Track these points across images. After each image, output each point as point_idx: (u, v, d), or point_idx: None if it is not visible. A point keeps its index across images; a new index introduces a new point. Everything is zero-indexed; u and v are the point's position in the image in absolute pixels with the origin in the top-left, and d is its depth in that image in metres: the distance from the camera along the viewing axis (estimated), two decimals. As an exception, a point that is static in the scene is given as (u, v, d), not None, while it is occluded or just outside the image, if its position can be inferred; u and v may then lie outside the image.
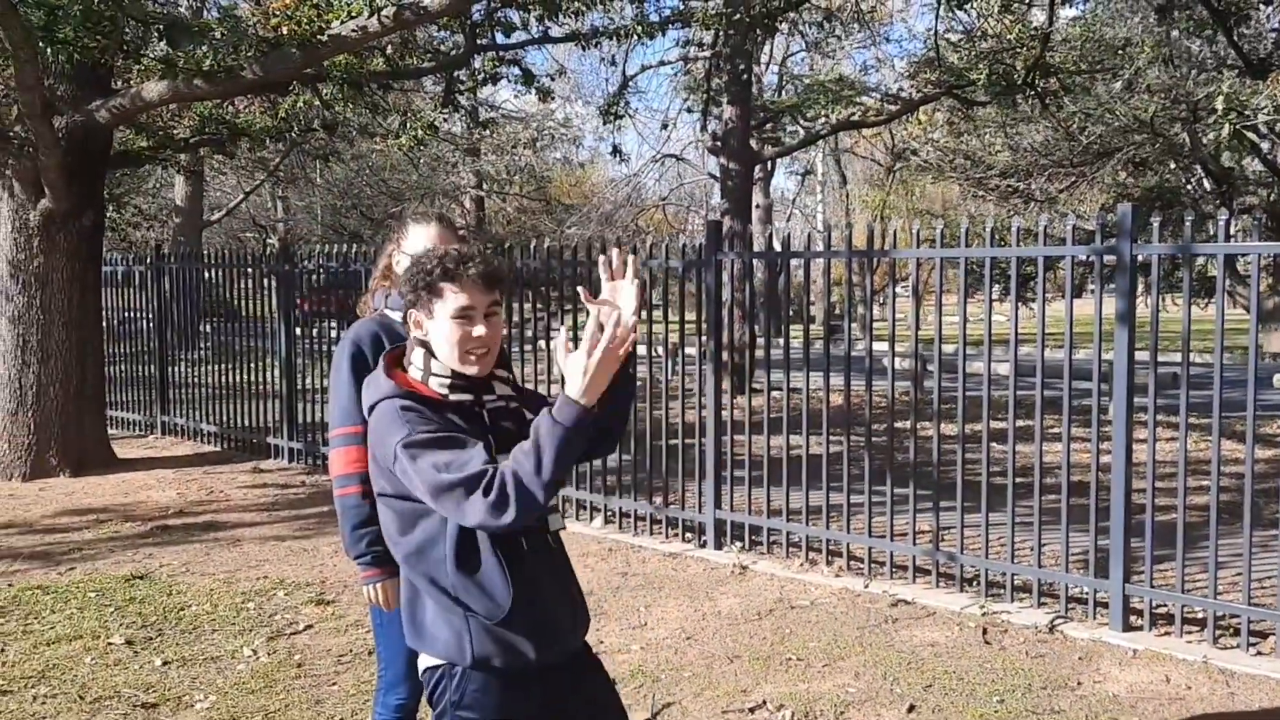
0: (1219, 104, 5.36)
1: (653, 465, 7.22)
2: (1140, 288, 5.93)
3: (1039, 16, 12.17)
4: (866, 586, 5.96)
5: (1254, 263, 5.13)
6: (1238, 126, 5.41)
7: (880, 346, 14.41)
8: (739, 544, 6.71)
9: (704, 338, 6.93)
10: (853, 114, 16.58)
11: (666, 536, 7.03)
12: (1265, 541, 5.44)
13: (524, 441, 2.21)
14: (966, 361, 5.92)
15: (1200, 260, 5.00)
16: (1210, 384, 5.20)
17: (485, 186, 31.60)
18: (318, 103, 10.39)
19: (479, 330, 2.39)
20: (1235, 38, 11.88)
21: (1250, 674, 4.68)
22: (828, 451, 6.34)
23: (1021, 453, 8.18)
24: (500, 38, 10.73)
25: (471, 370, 2.41)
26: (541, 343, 7.55)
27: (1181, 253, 5.34)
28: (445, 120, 12.83)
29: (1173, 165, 20.19)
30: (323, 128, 11.57)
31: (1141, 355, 5.81)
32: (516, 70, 11.51)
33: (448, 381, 2.41)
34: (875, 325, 20.08)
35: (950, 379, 5.99)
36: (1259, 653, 4.90)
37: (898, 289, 32.45)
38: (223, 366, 10.76)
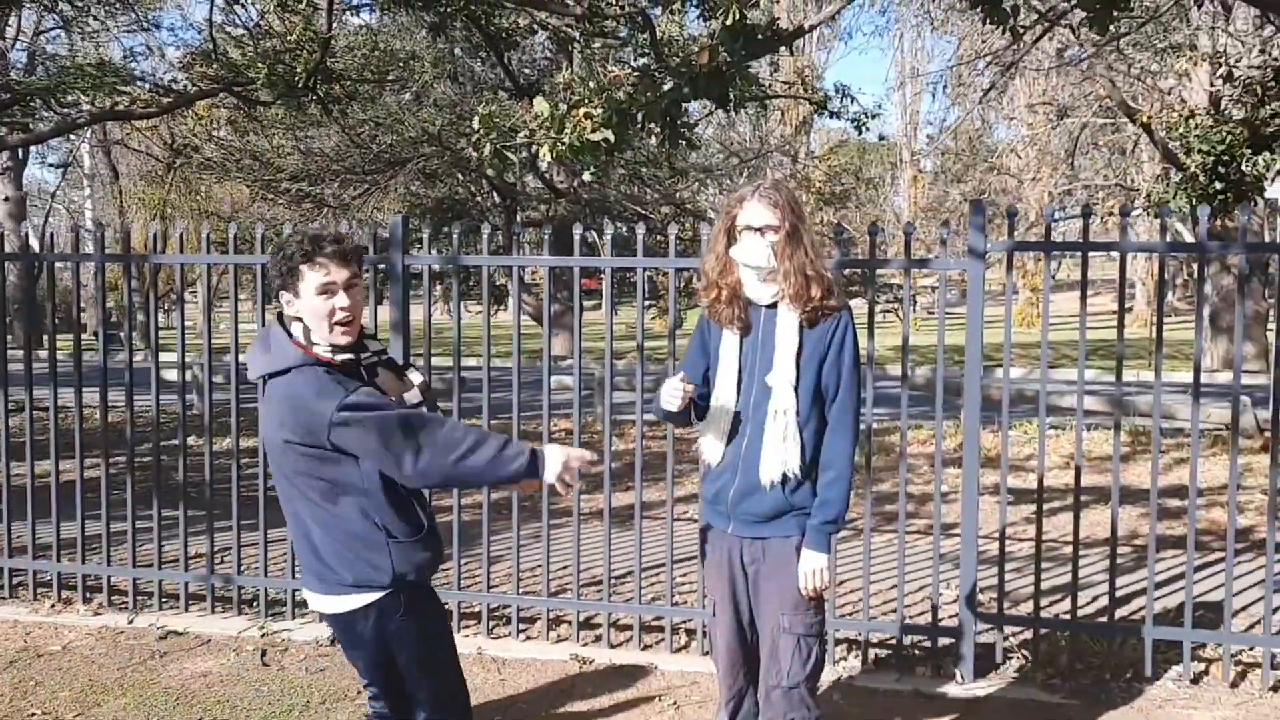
0: (476, 123, 5.95)
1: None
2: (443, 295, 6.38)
3: (324, 20, 12.53)
4: (131, 622, 5.67)
5: (516, 273, 5.80)
6: (498, 145, 6.04)
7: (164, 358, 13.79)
8: (-29, 592, 6.01)
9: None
10: (119, 103, 15.66)
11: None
12: (535, 533, 6.14)
13: (472, 428, 2.89)
14: (242, 372, 5.91)
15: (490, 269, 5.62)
16: (497, 387, 5.76)
17: None
18: None
19: (342, 301, 2.91)
20: (506, 62, 13.30)
21: (519, 658, 5.26)
22: (82, 477, 5.93)
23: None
24: None
25: (342, 340, 2.93)
26: None
27: (449, 263, 5.85)
28: None
29: (461, 178, 22.03)
30: None
31: (434, 361, 6.25)
32: None
33: (328, 349, 2.92)
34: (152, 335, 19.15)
35: (227, 392, 5.93)
36: (528, 637, 5.53)
37: (181, 295, 31.25)
38: None
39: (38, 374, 6.12)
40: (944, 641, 5.17)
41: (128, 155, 33.52)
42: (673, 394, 3.25)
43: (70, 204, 38.63)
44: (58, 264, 6.04)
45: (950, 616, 5.29)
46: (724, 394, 3.32)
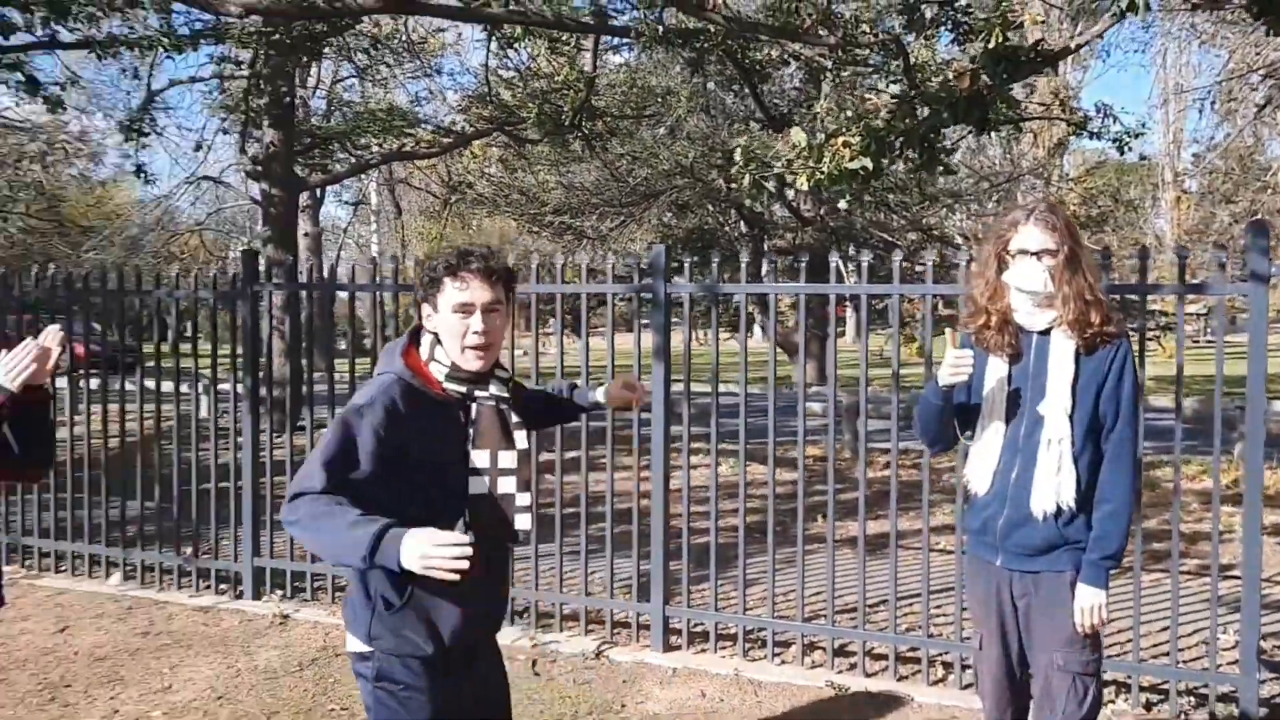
0: (738, 155, 5.99)
1: (182, 512, 6.78)
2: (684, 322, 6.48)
3: (589, 60, 12.98)
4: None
5: (772, 302, 5.81)
6: (756, 176, 6.07)
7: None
8: (280, 592, 6.48)
9: (241, 373, 6.64)
10: (404, 144, 16.70)
11: (198, 589, 6.63)
12: (789, 558, 6.10)
13: (370, 518, 2.38)
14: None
15: (735, 297, 5.69)
16: (754, 412, 5.78)
17: (-21, 203, 28.22)
18: None
19: (477, 324, 2.66)
20: (759, 94, 13.37)
21: (775, 682, 5.22)
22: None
23: (570, 483, 8.60)
24: (-2, 39, 9.66)
25: (472, 365, 2.69)
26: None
27: (709, 291, 5.91)
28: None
29: (711, 208, 22.25)
30: None
31: (680, 386, 6.34)
32: (19, 75, 10.41)
33: (445, 371, 2.68)
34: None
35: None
36: (783, 661, 5.49)
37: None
38: None
39: (336, 395, 6.56)
40: (1222, 689, 4.78)
41: (409, 192, 35.58)
42: (957, 366, 3.07)
43: (359, 238, 41.34)
44: (356, 293, 6.45)
45: (1229, 663, 4.89)
46: (992, 422, 3.17)
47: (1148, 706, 4.86)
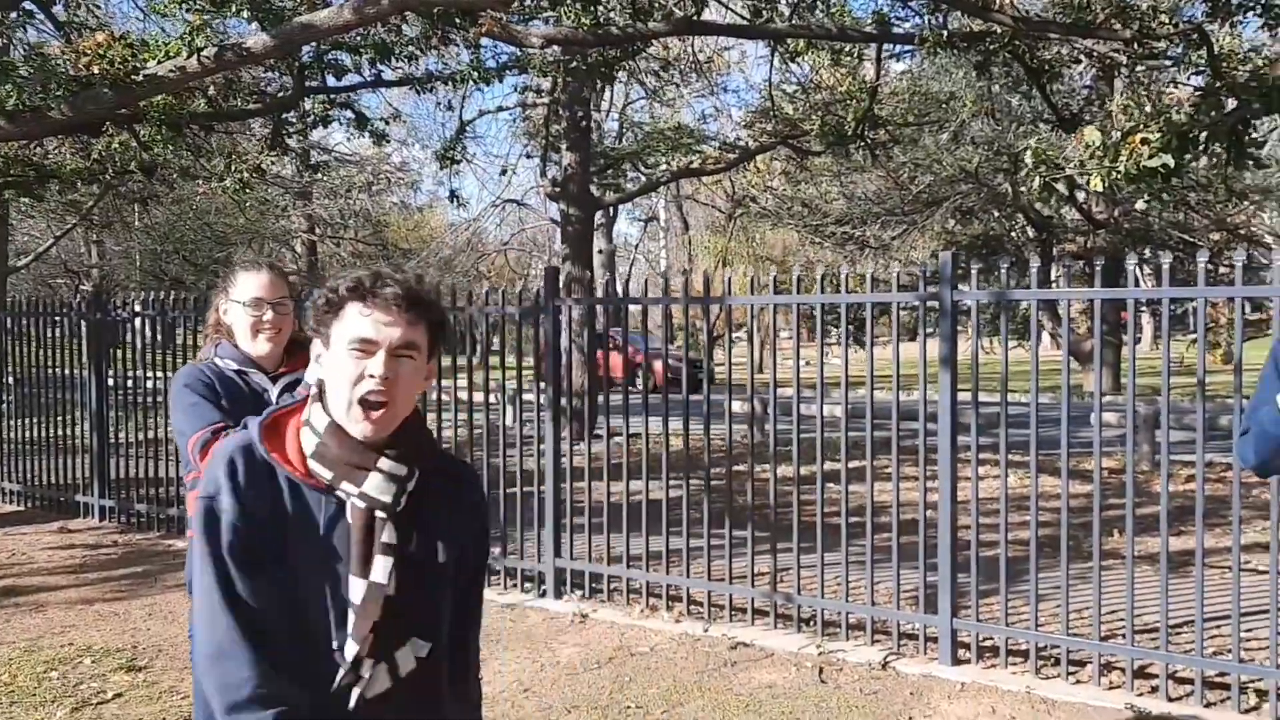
0: (1028, 157, 5.76)
1: (490, 516, 7.19)
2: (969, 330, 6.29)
3: (870, 70, 12.80)
4: (706, 631, 6.08)
5: (1064, 308, 5.53)
6: (1047, 179, 5.81)
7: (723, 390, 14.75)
8: (579, 592, 6.76)
9: (543, 384, 6.99)
10: (692, 161, 17.03)
11: (505, 587, 7.01)
12: (1082, 574, 5.79)
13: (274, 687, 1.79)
14: (802, 404, 6.15)
15: (1024, 304, 5.41)
16: (1045, 423, 5.54)
17: (317, 230, 31.02)
18: (135, 144, 10.08)
19: (376, 367, 1.84)
20: (1049, 94, 12.77)
21: (1069, 702, 4.96)
22: (667, 497, 6.46)
23: (854, 493, 8.50)
24: (330, 80, 10.64)
25: (357, 429, 1.86)
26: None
27: (998, 298, 5.70)
28: (274, 163, 12.61)
29: (996, 213, 21.42)
30: (140, 170, 11.22)
31: (966, 395, 6.15)
32: (349, 113, 11.42)
33: (315, 442, 1.88)
34: (717, 370, 20.45)
35: (788, 422, 6.21)
36: (1078, 681, 5.21)
37: (740, 334, 32.88)
38: (26, 421, 10.24)
39: (626, 405, 6.78)
40: None
41: (696, 208, 36.27)
42: None
43: (648, 253, 42.46)
44: (644, 306, 6.64)
45: None
46: None
47: None
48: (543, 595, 6.84)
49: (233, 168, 11.02)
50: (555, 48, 10.14)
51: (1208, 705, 4.86)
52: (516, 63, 12.46)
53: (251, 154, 11.51)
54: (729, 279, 6.42)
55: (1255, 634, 5.46)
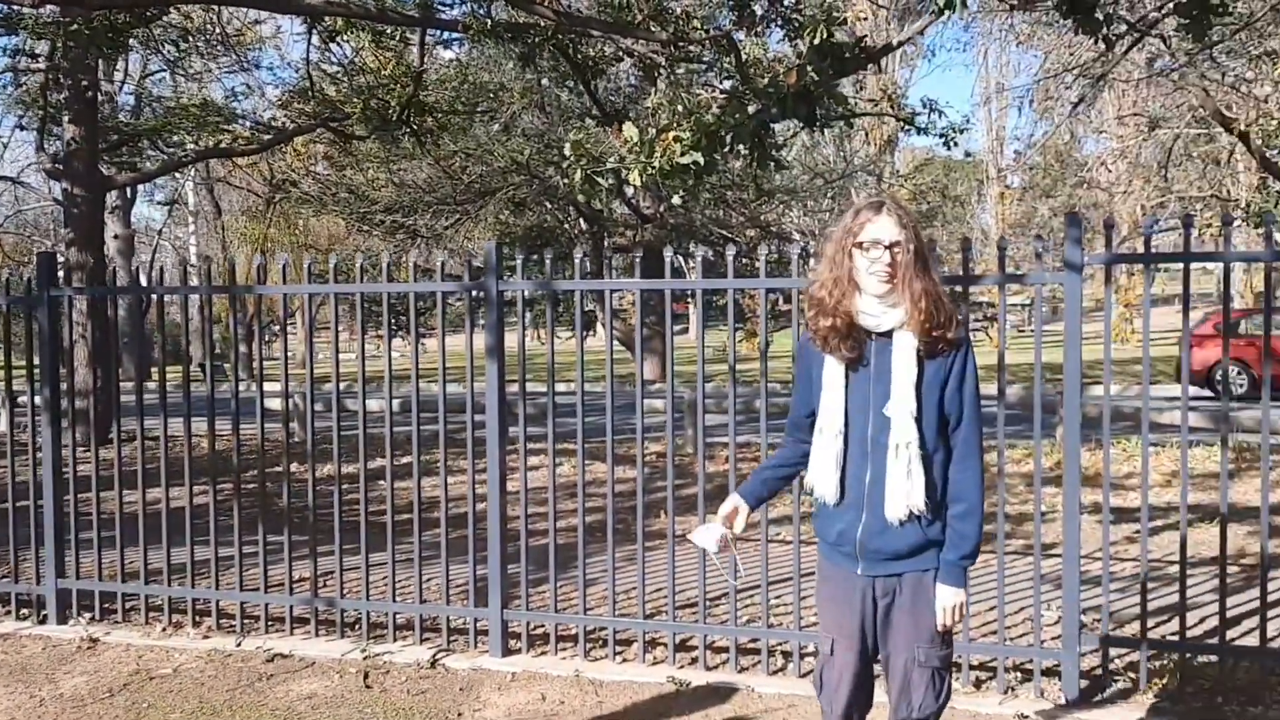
0: (568, 150, 6.00)
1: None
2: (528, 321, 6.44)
3: (415, 55, 12.78)
4: (239, 645, 5.78)
5: (608, 299, 5.84)
6: (588, 171, 6.08)
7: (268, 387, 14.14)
8: (88, 615, 6.18)
9: (39, 384, 6.31)
10: (221, 141, 16.16)
11: (-2, 618, 6.27)
12: (629, 556, 6.14)
13: None
14: (343, 400, 6.01)
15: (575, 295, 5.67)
16: (593, 411, 5.78)
17: None
18: None
19: None
20: (593, 90, 13.43)
21: (616, 680, 5.24)
22: (191, 503, 6.07)
23: (402, 489, 8.47)
24: None
25: None
26: None
27: (543, 288, 5.90)
28: None
29: (549, 206, 22.23)
30: None
31: (528, 387, 6.31)
32: None
33: None
34: (256, 365, 19.60)
35: (330, 420, 6.04)
36: (624, 660, 5.51)
37: (281, 326, 31.74)
38: None
39: (148, 404, 6.30)
40: (1046, 663, 5.03)
41: (229, 192, 34.47)
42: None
43: (175, 240, 39.81)
44: (166, 296, 6.19)
45: (1053, 639, 5.15)
46: (833, 427, 3.12)
47: (977, 684, 5.07)
48: (43, 621, 6.19)
49: None
50: (52, 7, 9.19)
51: (742, 670, 5.32)
52: (4, 21, 11.19)
53: None
54: (260, 266, 6.14)
55: (783, 600, 6.06)
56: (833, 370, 3.13)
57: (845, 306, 3.07)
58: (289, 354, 6.42)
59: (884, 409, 3.06)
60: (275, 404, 13.42)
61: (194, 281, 6.30)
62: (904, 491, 3.04)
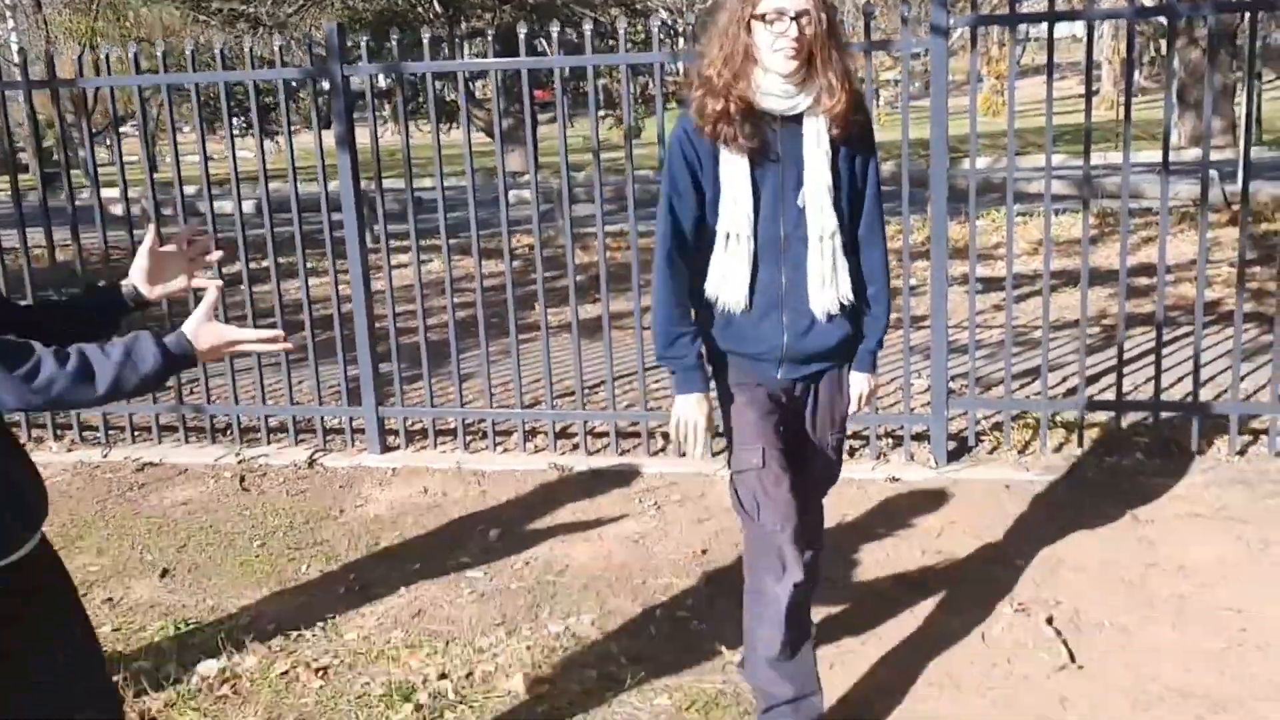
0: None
1: None
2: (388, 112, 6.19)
3: None
4: (106, 456, 5.73)
5: (460, 81, 5.63)
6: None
7: (107, 193, 13.46)
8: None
9: None
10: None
11: None
12: (505, 349, 6.14)
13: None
14: (194, 204, 5.78)
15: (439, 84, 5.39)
16: (455, 206, 5.64)
17: None
18: None
19: None
20: None
21: (498, 470, 5.33)
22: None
23: (262, 292, 8.29)
24: None
25: None
26: None
27: (391, 72, 5.65)
28: None
29: (398, -12, 21.16)
30: None
31: (387, 184, 6.12)
32: None
33: None
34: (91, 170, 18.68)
35: (177, 227, 5.81)
36: (505, 450, 5.60)
37: (128, 128, 30.19)
38: None
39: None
40: (916, 429, 5.28)
41: (49, -17, 31.99)
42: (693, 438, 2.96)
43: (-7, 38, 37.00)
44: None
45: (923, 405, 5.38)
46: (745, 229, 2.80)
47: (851, 453, 5.30)
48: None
49: None
50: None
51: (623, 453, 5.47)
52: None
53: None
54: (80, 58, 5.75)
55: (662, 384, 6.19)
56: (733, 165, 2.78)
57: (740, 89, 2.71)
58: (124, 159, 6.09)
59: (796, 200, 2.80)
60: (117, 210, 12.88)
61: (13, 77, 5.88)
62: (832, 284, 2.84)
